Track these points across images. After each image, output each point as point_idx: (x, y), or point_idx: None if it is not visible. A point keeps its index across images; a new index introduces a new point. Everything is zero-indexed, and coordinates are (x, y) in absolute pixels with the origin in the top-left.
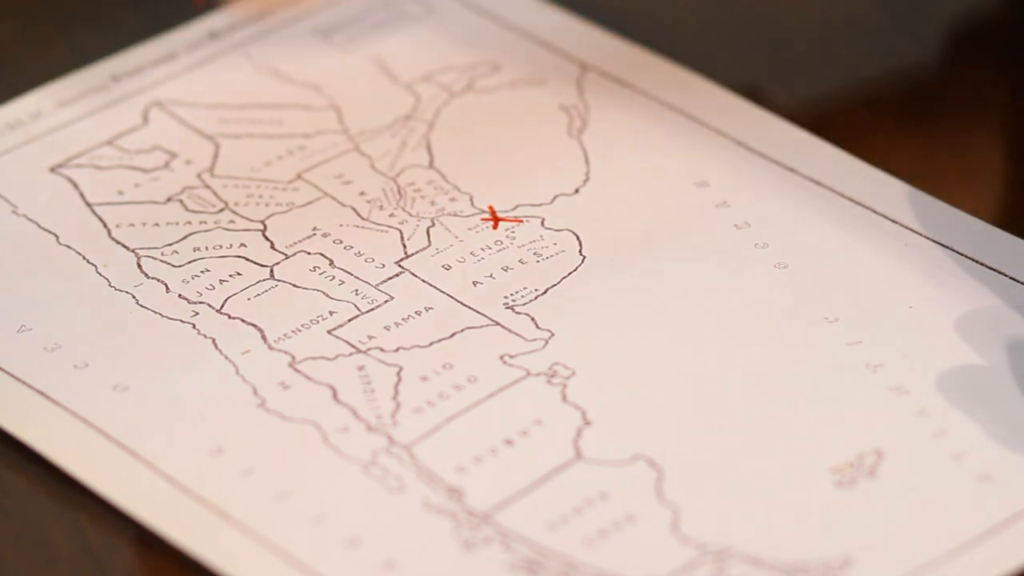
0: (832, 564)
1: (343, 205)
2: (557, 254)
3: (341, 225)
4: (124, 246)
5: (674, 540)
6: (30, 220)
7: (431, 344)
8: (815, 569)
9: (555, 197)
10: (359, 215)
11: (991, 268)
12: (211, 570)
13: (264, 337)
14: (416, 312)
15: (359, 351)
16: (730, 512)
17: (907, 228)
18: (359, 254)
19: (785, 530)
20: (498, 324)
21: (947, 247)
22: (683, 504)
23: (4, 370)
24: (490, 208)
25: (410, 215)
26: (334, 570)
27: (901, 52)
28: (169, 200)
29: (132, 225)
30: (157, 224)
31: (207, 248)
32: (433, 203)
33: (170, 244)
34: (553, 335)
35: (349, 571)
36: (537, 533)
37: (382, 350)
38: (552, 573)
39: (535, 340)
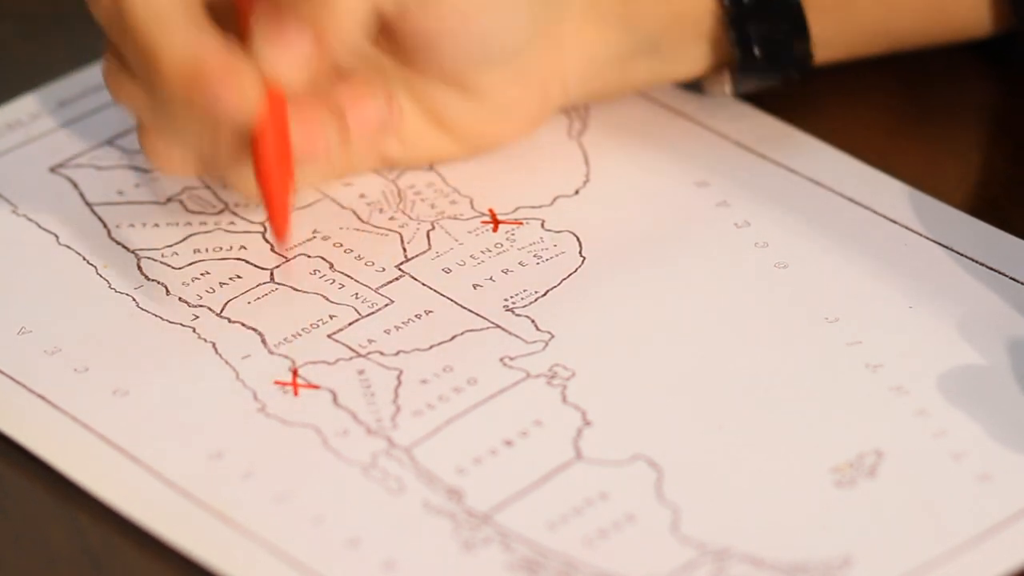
0: (832, 564)
1: (343, 208)
2: (557, 256)
3: (341, 228)
4: (124, 247)
5: (674, 540)
6: (30, 220)
7: (431, 347)
8: (815, 569)
9: (555, 199)
10: (359, 218)
11: (991, 268)
12: (212, 572)
13: (264, 341)
14: (416, 315)
15: (359, 355)
16: (730, 512)
17: (907, 228)
18: (359, 257)
19: (785, 530)
20: (498, 326)
21: (947, 247)
22: (683, 504)
23: (4, 373)
24: (490, 211)
25: (410, 218)
26: (334, 571)
27: (902, 53)
28: (169, 200)
29: (132, 226)
30: (157, 225)
31: (207, 250)
32: (433, 206)
33: (170, 245)
34: (553, 337)
35: (349, 572)
36: (537, 533)
37: (382, 354)
38: (552, 573)
39: (535, 342)
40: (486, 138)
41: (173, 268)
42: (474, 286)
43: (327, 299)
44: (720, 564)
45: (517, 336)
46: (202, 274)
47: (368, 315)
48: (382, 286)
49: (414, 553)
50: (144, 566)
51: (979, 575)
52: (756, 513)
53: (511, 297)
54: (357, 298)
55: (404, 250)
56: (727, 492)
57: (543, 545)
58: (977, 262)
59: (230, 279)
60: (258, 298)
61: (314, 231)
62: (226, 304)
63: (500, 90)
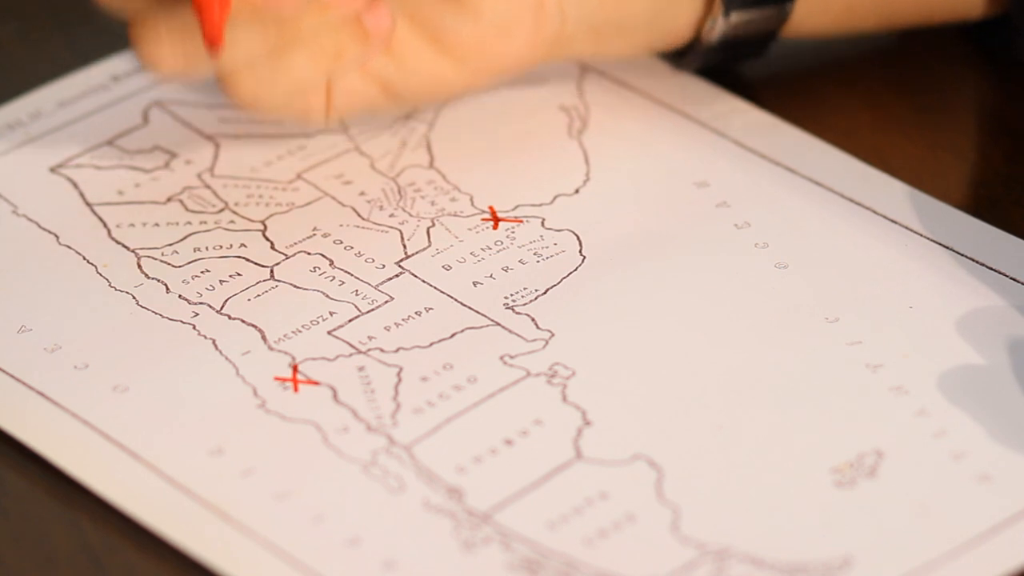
0: (832, 564)
1: (343, 205)
2: (557, 254)
3: (341, 225)
4: (124, 246)
5: (674, 540)
6: (30, 220)
7: (431, 344)
8: (815, 569)
9: (555, 197)
10: (359, 215)
11: (991, 268)
12: (211, 570)
13: (264, 338)
14: (416, 312)
15: (359, 351)
16: (730, 512)
17: (907, 228)
18: (359, 254)
19: (785, 530)
20: (498, 324)
21: (947, 247)
22: (683, 504)
23: (4, 371)
24: (490, 208)
25: (410, 215)
26: (334, 570)
27: (902, 53)
28: (169, 200)
29: (132, 225)
30: (157, 224)
31: (207, 248)
32: (433, 203)
33: (170, 244)
34: (553, 335)
35: (349, 571)
36: (537, 533)
37: (382, 350)
38: (552, 573)
39: (535, 340)
40: (485, 57)
41: (173, 266)
42: (474, 283)
43: (327, 296)
44: (720, 564)
45: (517, 334)
46: (202, 272)
47: (368, 312)
48: (382, 283)
49: (414, 552)
50: (144, 565)
51: (979, 575)
52: (756, 513)
53: (511, 295)
54: (357, 295)
55: (404, 247)
56: (727, 492)
57: (543, 545)
58: (977, 262)
59: (230, 276)
60: (258, 295)
61: (314, 228)
62: (226, 301)
63: (493, 1)
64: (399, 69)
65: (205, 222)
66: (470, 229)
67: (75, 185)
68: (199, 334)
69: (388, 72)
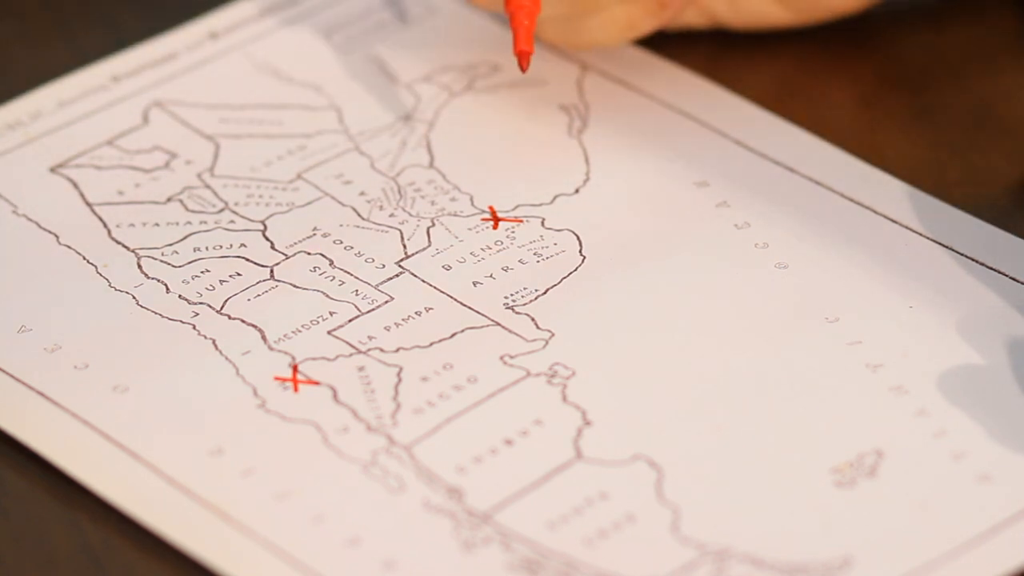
0: (832, 564)
1: (343, 205)
2: (557, 254)
3: (341, 225)
4: (124, 246)
5: (674, 540)
6: (30, 220)
7: (431, 344)
8: (815, 569)
9: (555, 197)
10: (359, 215)
11: (991, 268)
12: (211, 570)
13: (264, 338)
14: (416, 312)
15: (359, 351)
16: (730, 512)
17: (907, 228)
18: (359, 254)
19: (785, 530)
20: (498, 324)
21: (947, 247)
22: (683, 504)
23: (4, 371)
24: (490, 208)
25: (410, 215)
26: (334, 570)
27: (902, 52)
28: (169, 200)
29: (132, 225)
30: (157, 224)
31: (207, 248)
32: (433, 203)
33: (170, 244)
34: (553, 335)
35: (349, 571)
36: (537, 533)
37: (382, 350)
38: (552, 573)
39: (535, 340)
40: (820, 8)
41: (173, 266)
42: (474, 283)
43: (327, 296)
44: (720, 564)
45: (517, 334)
46: (202, 272)
47: (368, 312)
48: (382, 283)
49: (414, 552)
50: (144, 565)
51: (979, 575)
52: (756, 513)
53: (511, 295)
54: (357, 295)
55: (404, 247)
56: (727, 492)
57: (543, 545)
58: (977, 262)
59: (230, 276)
60: (258, 295)
61: (314, 228)
62: (226, 301)
63: None
64: (731, 7)
65: (205, 222)
66: (470, 229)
67: (75, 185)
68: (199, 334)
69: (719, 9)
